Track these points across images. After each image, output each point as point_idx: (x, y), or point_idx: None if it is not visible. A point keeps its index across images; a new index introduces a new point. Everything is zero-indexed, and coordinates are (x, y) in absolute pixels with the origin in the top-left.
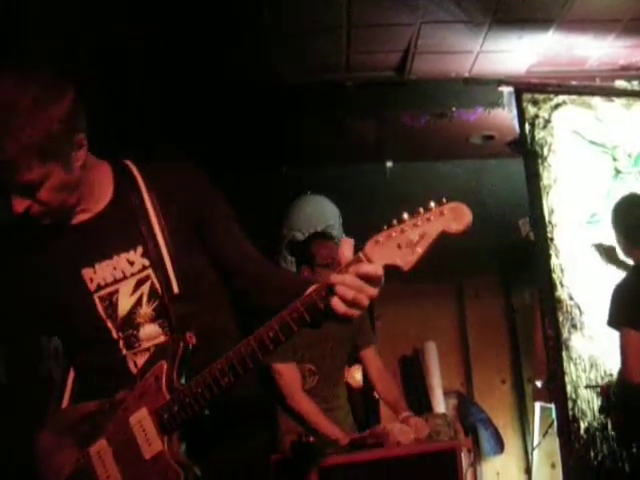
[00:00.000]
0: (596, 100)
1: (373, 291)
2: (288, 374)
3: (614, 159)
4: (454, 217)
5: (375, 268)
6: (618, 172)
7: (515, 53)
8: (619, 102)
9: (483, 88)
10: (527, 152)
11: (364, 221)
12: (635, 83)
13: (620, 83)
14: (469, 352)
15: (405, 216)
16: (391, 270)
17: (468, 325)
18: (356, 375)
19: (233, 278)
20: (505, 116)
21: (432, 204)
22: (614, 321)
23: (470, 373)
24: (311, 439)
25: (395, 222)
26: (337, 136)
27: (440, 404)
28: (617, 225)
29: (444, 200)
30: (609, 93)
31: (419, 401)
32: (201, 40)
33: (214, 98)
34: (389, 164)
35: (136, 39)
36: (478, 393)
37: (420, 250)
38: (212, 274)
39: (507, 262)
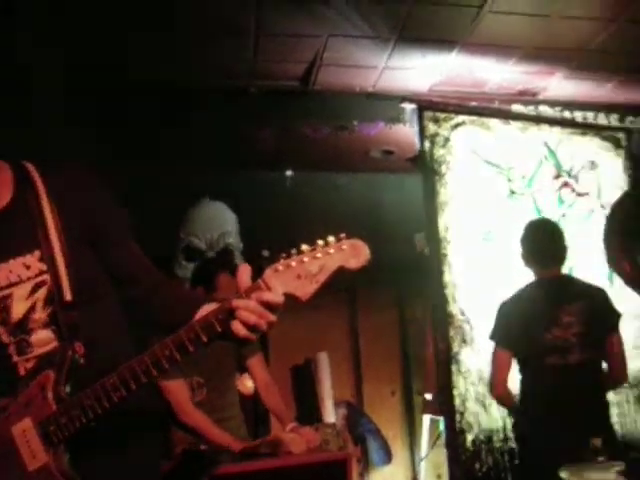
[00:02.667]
0: (494, 122)
1: (273, 317)
2: (176, 391)
3: (509, 180)
4: (353, 253)
5: (276, 296)
6: (513, 192)
7: (419, 71)
8: (515, 125)
9: (386, 103)
10: (426, 169)
11: (263, 229)
12: (531, 108)
13: (517, 107)
14: (360, 363)
15: (304, 247)
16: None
17: (360, 336)
18: (247, 383)
19: (126, 288)
20: (406, 132)
21: (331, 238)
22: (491, 336)
23: (361, 384)
24: (202, 447)
25: (294, 252)
26: (239, 142)
27: (330, 414)
28: (523, 243)
29: (343, 235)
30: (506, 116)
31: (310, 411)
32: (107, 37)
33: (118, 99)
34: (289, 173)
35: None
36: (368, 404)
37: (319, 282)
38: (106, 283)
39: (401, 276)
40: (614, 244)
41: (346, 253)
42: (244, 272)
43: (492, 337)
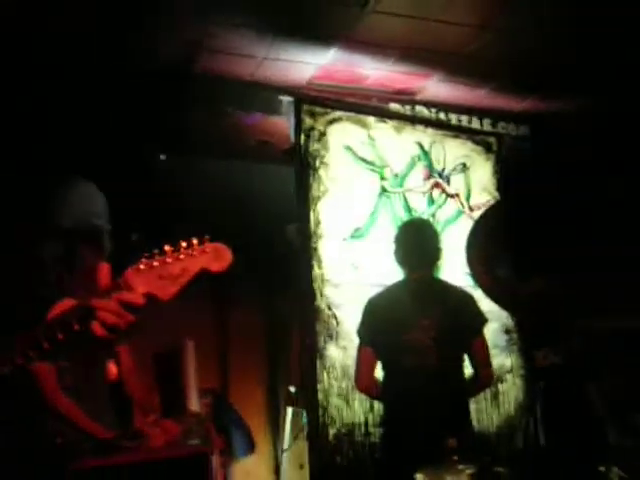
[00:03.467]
0: (370, 120)
1: (132, 318)
2: (44, 375)
3: (382, 178)
4: (216, 257)
5: (137, 297)
6: (384, 191)
7: (298, 64)
8: (391, 124)
9: (264, 94)
10: (300, 162)
11: (134, 213)
12: (407, 107)
13: (394, 106)
14: (227, 353)
15: (167, 248)
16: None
17: (229, 326)
18: (111, 369)
19: None
20: (283, 124)
21: (195, 240)
22: (357, 332)
23: (227, 374)
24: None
25: (157, 252)
26: (112, 123)
27: (194, 403)
28: (395, 242)
29: (207, 237)
30: (383, 114)
31: (174, 399)
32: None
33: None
34: (162, 157)
35: None
36: (234, 394)
37: (180, 284)
38: None
39: (271, 268)
40: (473, 257)
41: (209, 256)
42: (104, 270)
43: (357, 333)
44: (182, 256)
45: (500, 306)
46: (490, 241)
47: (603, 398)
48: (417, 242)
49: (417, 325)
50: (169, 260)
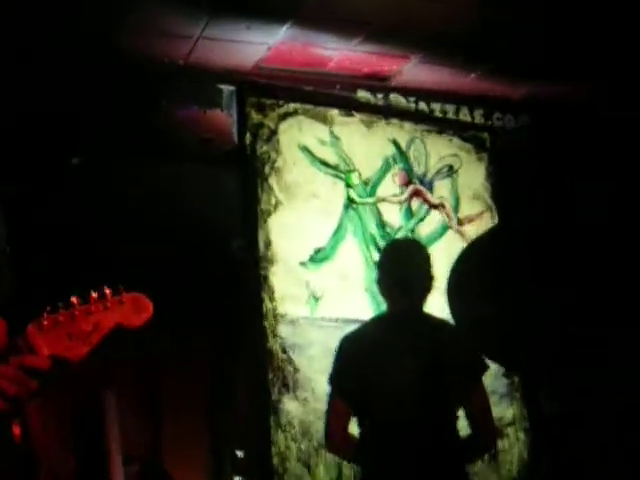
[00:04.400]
0: (334, 113)
1: (35, 385)
2: None
3: (348, 185)
4: (134, 309)
5: (41, 360)
6: (352, 201)
7: (242, 45)
8: (359, 118)
9: (200, 82)
10: (245, 167)
11: (39, 231)
12: (380, 97)
13: (363, 95)
14: (160, 410)
15: (74, 300)
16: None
17: (161, 377)
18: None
19: None
20: (224, 120)
21: (108, 290)
22: (329, 380)
23: (160, 436)
24: None
25: (62, 305)
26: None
27: (119, 472)
28: (377, 268)
29: (122, 288)
30: (349, 105)
31: (93, 467)
32: None
33: None
34: (75, 161)
35: None
36: (169, 460)
37: (92, 342)
38: None
39: (211, 300)
40: (454, 296)
41: (126, 309)
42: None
43: (329, 381)
44: (93, 309)
45: (489, 358)
46: (478, 276)
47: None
48: (403, 269)
49: (402, 371)
50: (78, 314)
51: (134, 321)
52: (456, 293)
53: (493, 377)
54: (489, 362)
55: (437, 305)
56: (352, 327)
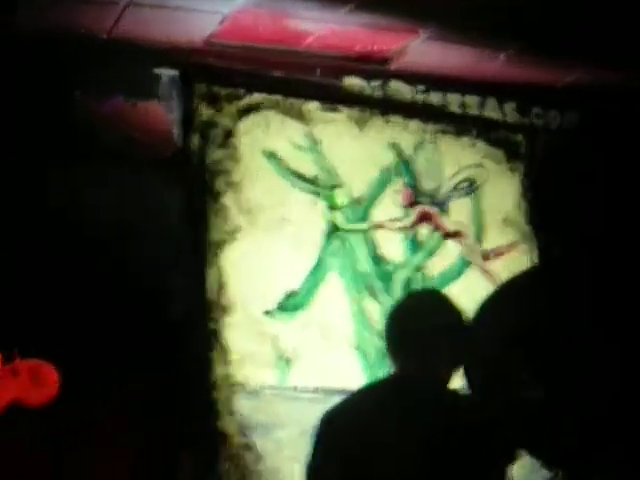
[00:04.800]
0: (312, 107)
1: None
2: None
3: (332, 206)
4: (33, 382)
5: None
6: (336, 228)
7: (188, 14)
8: (348, 114)
9: (129, 64)
10: (191, 182)
11: None
12: (376, 85)
13: (353, 82)
14: None
15: None
16: None
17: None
18: None
19: None
20: (162, 115)
21: None
22: (306, 471)
23: None
24: None
25: None
26: None
27: None
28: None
29: (16, 353)
30: (334, 97)
31: None
32: None
33: None
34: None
35: None
36: None
37: None
38: None
39: (144, 351)
40: (474, 364)
41: (23, 382)
42: None
43: (307, 474)
44: None
45: (526, 450)
46: (511, 338)
47: None
48: (416, 322)
49: (404, 455)
50: None
51: (34, 398)
52: (478, 360)
53: (528, 470)
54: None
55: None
56: (337, 399)
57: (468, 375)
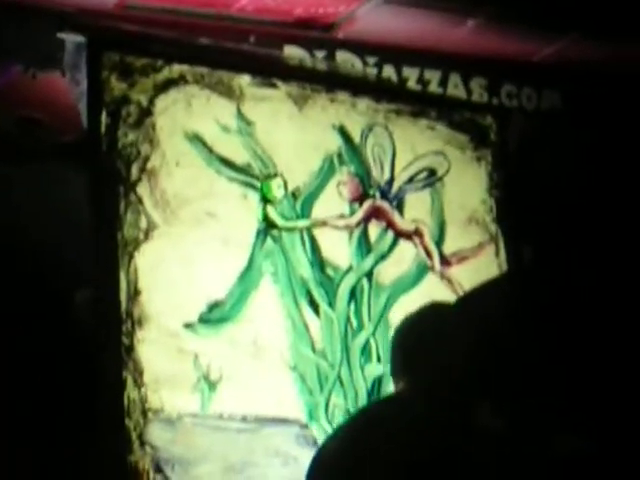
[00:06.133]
0: (244, 82)
1: None
2: None
3: (266, 199)
4: None
5: None
6: (271, 225)
7: None
8: (287, 90)
9: (27, 28)
10: (99, 169)
11: None
12: (320, 56)
13: (292, 52)
14: None
15: None
16: None
17: None
18: None
19: None
20: (65, 90)
21: None
22: None
23: None
24: None
25: None
26: None
27: None
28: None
29: None
30: (270, 69)
31: None
32: None
33: None
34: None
35: None
36: None
37: None
38: None
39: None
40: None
41: None
42: None
43: None
44: None
45: None
46: (471, 361)
47: None
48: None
49: None
50: None
51: None
52: (433, 385)
53: None
54: None
55: None
56: (270, 430)
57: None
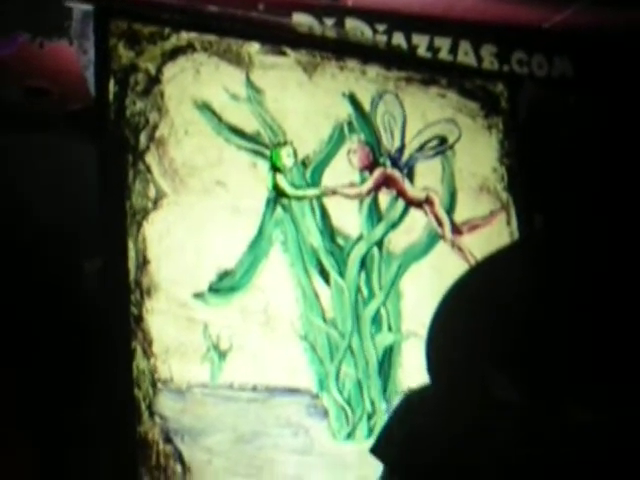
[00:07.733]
0: (253, 49)
1: None
2: None
3: (275, 168)
4: None
5: None
6: (280, 194)
7: None
8: (296, 58)
9: None
10: (107, 138)
11: None
12: (329, 23)
13: (301, 18)
14: None
15: None
16: None
17: None
18: None
19: None
20: (72, 59)
21: None
22: None
23: None
24: None
25: None
26: None
27: None
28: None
29: None
30: (279, 37)
31: None
32: None
33: None
34: None
35: None
36: None
37: None
38: None
39: (54, 340)
40: (441, 364)
41: None
42: None
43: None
44: None
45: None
46: (484, 333)
47: None
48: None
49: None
50: None
51: None
52: (445, 359)
53: None
54: None
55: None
56: (280, 399)
57: (432, 376)
